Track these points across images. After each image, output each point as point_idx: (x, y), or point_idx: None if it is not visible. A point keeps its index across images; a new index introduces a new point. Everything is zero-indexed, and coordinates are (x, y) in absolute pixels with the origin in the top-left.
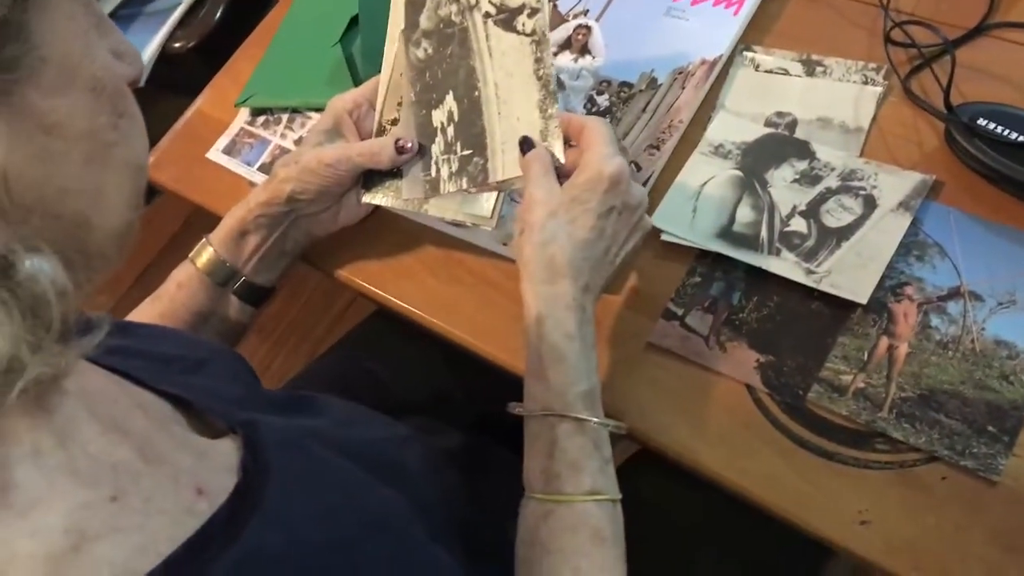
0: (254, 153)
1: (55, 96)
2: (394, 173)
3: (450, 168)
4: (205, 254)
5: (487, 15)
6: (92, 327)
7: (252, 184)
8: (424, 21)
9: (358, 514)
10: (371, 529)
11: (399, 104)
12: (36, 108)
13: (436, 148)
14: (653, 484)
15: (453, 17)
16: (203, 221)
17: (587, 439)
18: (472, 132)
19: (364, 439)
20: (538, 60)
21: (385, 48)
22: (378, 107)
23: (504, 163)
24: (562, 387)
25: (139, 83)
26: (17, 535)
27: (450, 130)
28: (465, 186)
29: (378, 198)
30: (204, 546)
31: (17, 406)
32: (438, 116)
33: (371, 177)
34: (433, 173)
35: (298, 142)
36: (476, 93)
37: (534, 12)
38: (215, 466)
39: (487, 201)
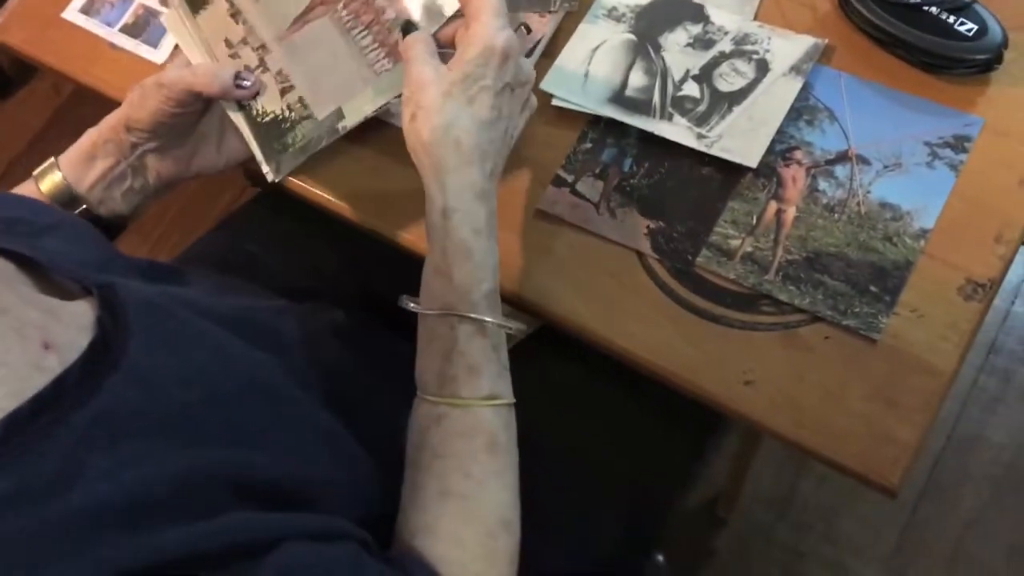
0: (115, 13)
1: None
2: (283, 130)
3: None
4: (49, 175)
5: None
6: None
7: (113, 46)
8: None
9: (230, 374)
10: (245, 388)
11: (231, 55)
12: None
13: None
14: (545, 364)
15: None
16: (70, 120)
17: (488, 342)
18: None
19: (235, 306)
20: None
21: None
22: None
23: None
24: (467, 286)
25: None
26: None
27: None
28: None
29: (289, 161)
30: (53, 402)
31: None
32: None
33: (267, 150)
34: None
35: (165, 2)
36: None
37: None
38: (67, 324)
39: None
